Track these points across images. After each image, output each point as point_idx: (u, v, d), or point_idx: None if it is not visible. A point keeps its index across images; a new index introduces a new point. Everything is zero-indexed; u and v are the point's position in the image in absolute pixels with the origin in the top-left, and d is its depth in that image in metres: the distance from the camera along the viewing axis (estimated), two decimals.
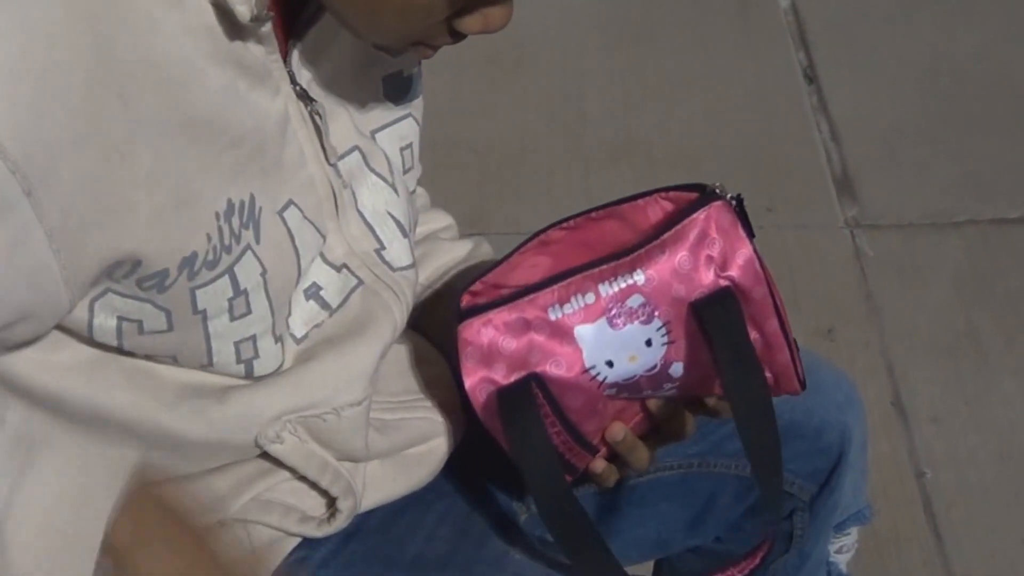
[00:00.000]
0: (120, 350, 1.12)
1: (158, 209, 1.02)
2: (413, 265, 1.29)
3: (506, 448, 1.23)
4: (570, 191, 3.10)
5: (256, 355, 1.17)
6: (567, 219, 1.27)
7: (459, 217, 1.54)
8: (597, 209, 1.27)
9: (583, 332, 1.21)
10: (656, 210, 1.25)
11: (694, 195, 1.23)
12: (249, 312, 1.14)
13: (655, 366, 1.22)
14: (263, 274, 1.14)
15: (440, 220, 1.52)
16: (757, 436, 1.21)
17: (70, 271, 0.99)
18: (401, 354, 1.34)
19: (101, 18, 0.96)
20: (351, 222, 1.24)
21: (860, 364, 2.66)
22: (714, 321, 1.19)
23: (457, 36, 1.08)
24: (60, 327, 1.08)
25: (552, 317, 1.21)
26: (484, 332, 1.22)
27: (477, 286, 1.25)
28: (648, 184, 3.05)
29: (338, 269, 1.23)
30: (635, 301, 1.20)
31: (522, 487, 1.41)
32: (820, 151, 3.22)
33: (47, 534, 1.16)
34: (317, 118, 1.18)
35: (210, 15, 1.04)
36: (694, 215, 1.20)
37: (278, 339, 1.17)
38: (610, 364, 1.21)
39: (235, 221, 1.10)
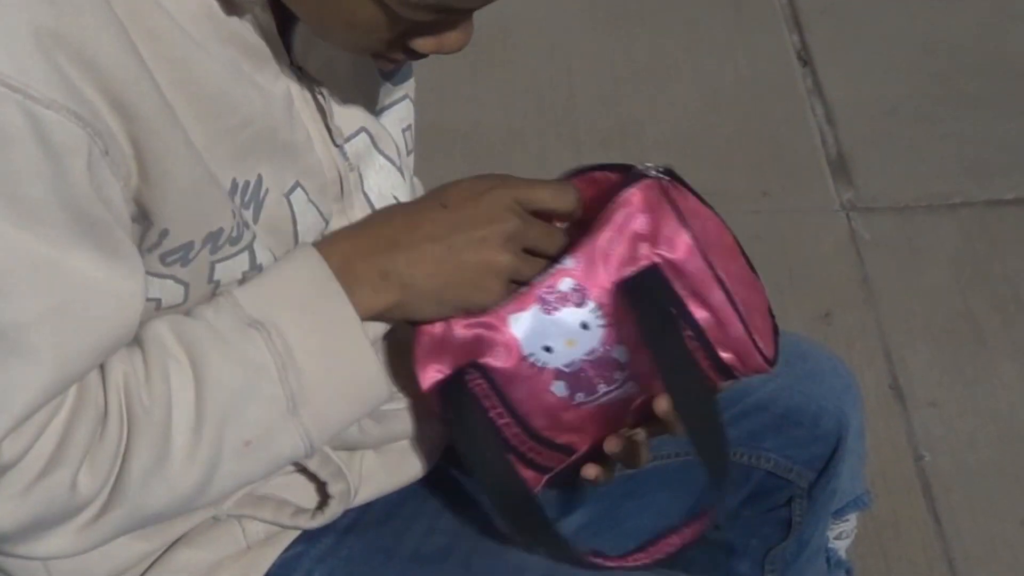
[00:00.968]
0: None
1: (193, 185, 1.07)
2: None
3: (453, 440, 1.25)
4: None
5: None
6: None
7: None
8: None
9: (518, 319, 1.21)
10: (588, 190, 1.25)
11: (618, 175, 1.24)
12: None
13: (594, 350, 1.22)
14: (271, 250, 1.16)
15: None
16: (693, 405, 1.22)
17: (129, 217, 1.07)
18: (394, 343, 1.31)
19: None
20: (356, 205, 1.24)
21: (858, 348, 2.66)
22: (638, 298, 1.20)
23: (413, 54, 1.09)
24: None
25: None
26: (437, 324, 1.22)
27: None
28: None
29: None
30: (566, 285, 1.20)
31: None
32: (815, 134, 3.22)
33: None
34: (321, 99, 1.18)
35: None
36: (620, 194, 1.21)
37: None
38: (548, 350, 1.22)
39: (236, 200, 1.12)
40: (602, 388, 1.25)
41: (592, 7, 3.63)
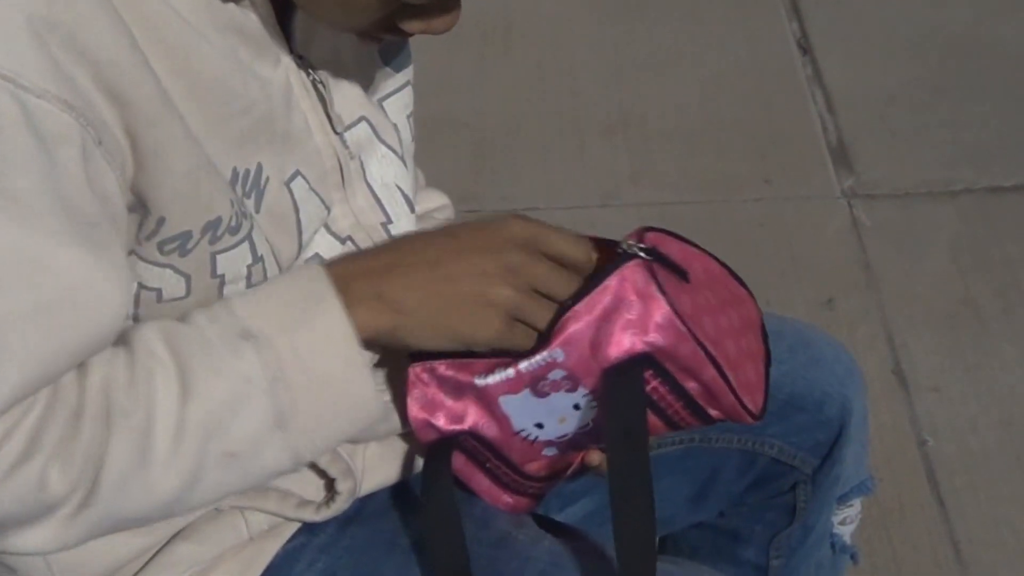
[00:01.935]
0: (135, 319, 1.13)
1: (190, 172, 1.06)
2: None
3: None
4: (565, 166, 3.10)
5: None
6: None
7: (452, 195, 1.54)
8: None
9: (508, 401, 1.20)
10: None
11: (611, 251, 1.19)
12: (265, 279, 1.16)
13: (587, 424, 1.22)
14: (268, 240, 1.15)
15: (436, 199, 1.51)
16: (629, 517, 1.17)
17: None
18: None
19: None
20: (358, 194, 1.24)
21: (860, 334, 2.67)
22: (612, 398, 1.17)
23: (403, 33, 1.08)
24: None
25: (479, 383, 1.19)
26: (430, 383, 1.21)
27: None
28: (642, 158, 3.05)
29: (342, 241, 1.23)
30: (557, 375, 1.18)
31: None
32: (816, 122, 3.23)
33: None
34: (320, 87, 1.19)
35: None
36: (606, 281, 1.16)
37: None
38: (540, 426, 1.21)
39: (238, 189, 1.12)
40: (591, 446, 1.27)
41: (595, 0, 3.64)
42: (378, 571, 1.26)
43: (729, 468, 1.52)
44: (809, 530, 1.58)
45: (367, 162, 1.25)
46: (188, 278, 1.12)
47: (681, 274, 1.21)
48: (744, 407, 1.21)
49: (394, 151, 1.28)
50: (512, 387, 1.19)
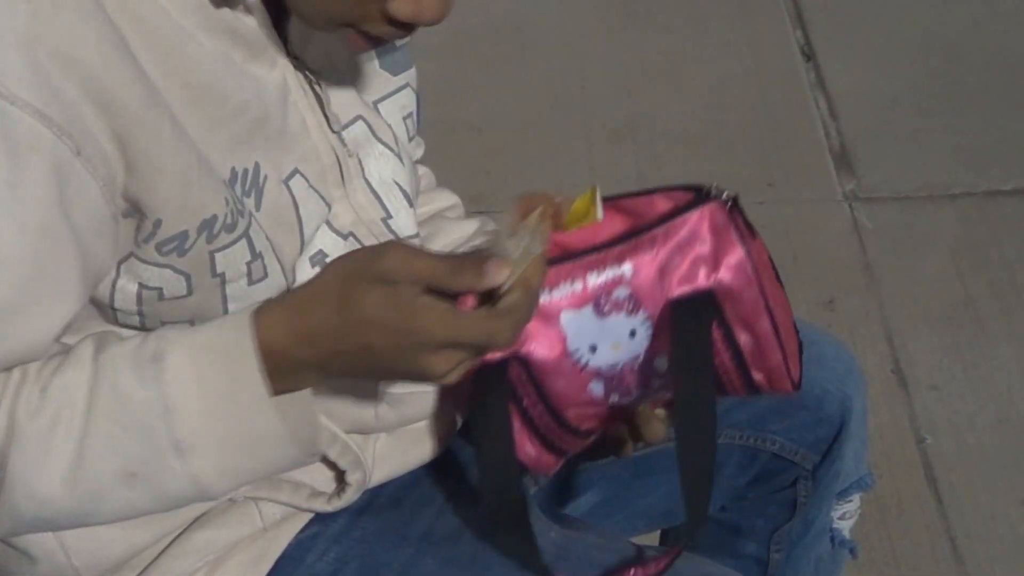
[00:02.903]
0: (140, 316, 1.14)
1: (181, 173, 1.06)
2: (418, 235, 1.30)
3: (469, 421, 1.24)
4: (573, 169, 3.09)
5: None
6: None
7: (462, 197, 1.55)
8: (604, 200, 1.25)
9: (569, 317, 1.21)
10: (655, 207, 1.23)
11: (691, 195, 1.22)
12: (266, 276, 1.16)
13: (638, 356, 1.23)
14: (268, 239, 1.16)
15: (446, 199, 1.52)
16: (693, 441, 1.19)
17: (115, 210, 1.06)
18: None
19: None
20: (358, 191, 1.25)
21: (860, 334, 2.68)
22: (681, 322, 1.18)
23: (392, 23, 1.06)
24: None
25: (542, 300, 1.19)
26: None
27: None
28: (650, 161, 3.05)
29: (344, 237, 1.23)
30: (621, 292, 1.20)
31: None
32: (818, 126, 3.23)
33: None
34: (317, 88, 1.19)
35: None
36: (687, 214, 1.19)
37: None
38: (593, 349, 1.22)
39: (237, 189, 1.12)
40: (636, 392, 1.26)
41: (604, 5, 3.62)
42: (388, 562, 1.27)
43: (731, 463, 1.53)
44: (809, 525, 1.59)
45: (365, 160, 1.26)
46: (188, 277, 1.12)
47: (751, 231, 1.23)
48: (788, 370, 1.24)
49: (391, 149, 1.28)
50: (576, 301, 1.20)
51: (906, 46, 3.45)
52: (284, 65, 1.16)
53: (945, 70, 3.37)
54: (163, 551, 1.25)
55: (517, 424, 1.27)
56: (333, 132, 1.21)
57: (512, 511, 1.22)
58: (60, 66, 0.99)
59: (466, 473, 1.37)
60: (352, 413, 1.25)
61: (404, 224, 1.28)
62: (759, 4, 3.62)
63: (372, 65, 1.29)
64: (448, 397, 1.32)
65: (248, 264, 1.15)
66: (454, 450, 1.37)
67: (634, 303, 1.20)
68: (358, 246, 1.24)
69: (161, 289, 1.12)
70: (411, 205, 1.29)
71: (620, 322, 1.21)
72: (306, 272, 1.20)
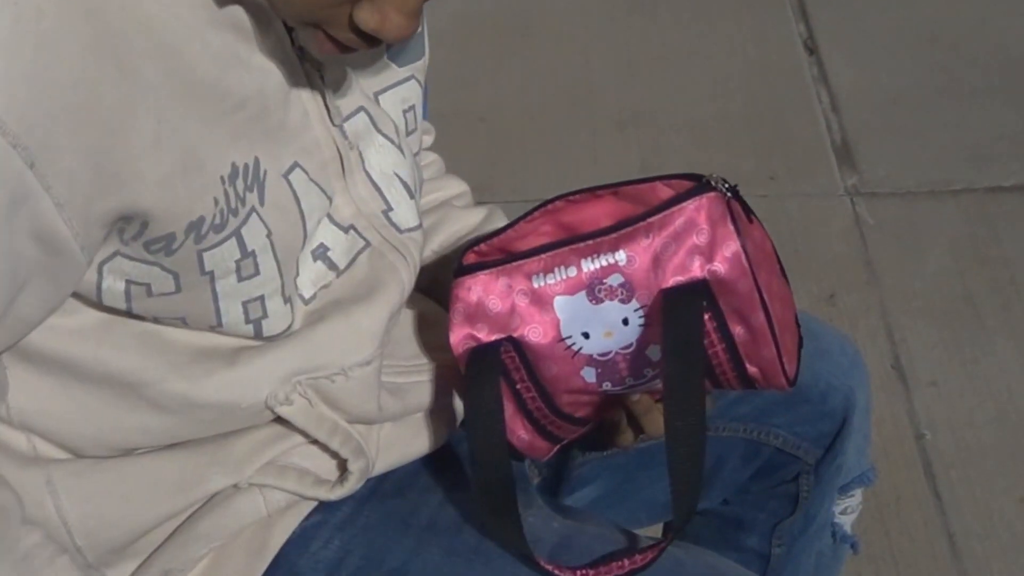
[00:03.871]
0: (129, 313, 1.14)
1: (165, 176, 1.04)
2: (420, 227, 1.30)
3: (462, 401, 1.25)
4: (577, 160, 3.10)
5: (265, 315, 1.17)
6: (573, 193, 1.27)
7: (467, 186, 1.54)
8: (602, 187, 1.27)
9: (562, 302, 1.21)
10: (656, 195, 1.23)
11: (691, 183, 1.22)
12: (257, 273, 1.15)
13: (631, 345, 1.22)
14: (268, 236, 1.15)
15: (454, 187, 1.52)
16: (683, 432, 1.18)
17: (82, 236, 1.02)
18: (413, 318, 1.34)
19: None
20: (358, 183, 1.24)
21: (861, 329, 2.68)
22: (673, 310, 1.18)
23: (356, 32, 1.04)
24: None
25: (535, 285, 1.22)
26: (474, 290, 1.23)
27: (483, 247, 1.27)
28: (653, 153, 3.06)
29: (345, 230, 1.23)
30: (615, 280, 1.20)
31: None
32: (820, 121, 3.23)
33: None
34: (320, 80, 1.18)
35: None
36: (684, 203, 1.19)
37: (287, 300, 1.18)
38: (586, 336, 1.22)
39: (239, 184, 1.11)
40: (629, 381, 1.26)
41: None
42: (392, 550, 1.27)
43: (734, 457, 1.53)
44: (811, 519, 1.59)
45: (365, 152, 1.25)
46: (176, 275, 1.11)
47: (751, 221, 1.23)
48: (782, 365, 1.23)
49: (391, 140, 1.27)
50: (570, 287, 1.21)
51: (909, 41, 3.46)
52: (288, 56, 1.15)
53: (948, 65, 3.38)
54: (167, 538, 1.25)
55: (511, 408, 1.28)
56: (335, 125, 1.21)
57: (499, 490, 1.22)
58: (33, 74, 0.95)
59: (470, 463, 1.36)
60: (355, 404, 1.25)
61: (405, 216, 1.28)
62: None
63: (378, 55, 1.28)
64: (451, 387, 1.32)
65: (237, 262, 1.14)
66: (458, 440, 1.36)
67: (628, 291, 1.20)
68: (359, 240, 1.24)
69: (149, 285, 1.11)
70: (412, 197, 1.29)
71: (613, 309, 1.21)
72: (308, 266, 1.21)
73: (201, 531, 1.24)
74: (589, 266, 1.21)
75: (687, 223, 1.19)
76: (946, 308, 2.75)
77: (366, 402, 1.25)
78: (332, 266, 1.22)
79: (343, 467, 1.27)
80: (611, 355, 1.24)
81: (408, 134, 1.31)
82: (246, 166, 1.11)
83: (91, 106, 0.98)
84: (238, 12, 1.09)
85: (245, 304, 1.16)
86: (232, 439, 1.23)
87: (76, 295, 1.11)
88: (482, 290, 1.23)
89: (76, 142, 0.98)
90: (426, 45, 1.35)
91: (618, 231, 1.21)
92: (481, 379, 1.23)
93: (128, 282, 1.11)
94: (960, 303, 2.76)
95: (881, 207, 3.00)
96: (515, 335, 1.23)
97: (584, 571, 1.23)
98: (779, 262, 1.30)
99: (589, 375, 1.25)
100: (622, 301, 1.21)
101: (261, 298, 1.17)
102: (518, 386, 1.27)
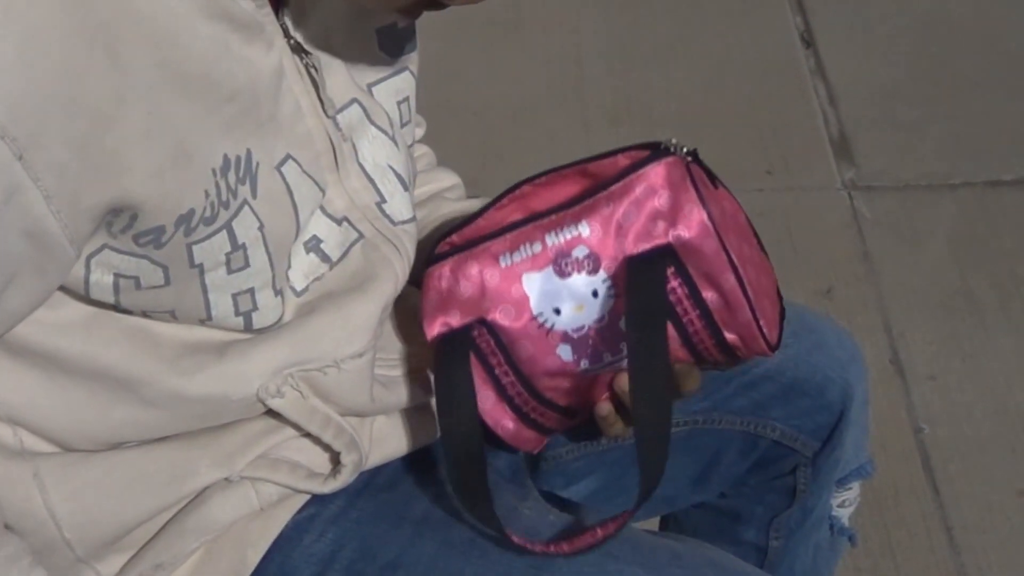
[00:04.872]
0: (117, 307, 1.13)
1: (155, 168, 1.03)
2: (414, 219, 1.29)
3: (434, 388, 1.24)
4: (570, 153, 3.04)
5: (255, 307, 1.17)
6: (537, 176, 1.28)
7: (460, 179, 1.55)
8: (565, 166, 1.27)
9: (531, 279, 1.21)
10: (617, 167, 1.23)
11: (649, 152, 1.22)
12: (247, 266, 1.14)
13: (603, 318, 1.22)
14: (260, 228, 1.14)
15: (446, 179, 1.51)
16: (648, 401, 1.18)
17: (71, 229, 1.01)
18: (405, 311, 1.33)
19: None
20: (352, 175, 1.24)
21: (859, 323, 2.68)
22: (636, 280, 1.18)
23: (437, 4, 1.07)
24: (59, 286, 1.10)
25: (503, 264, 1.22)
26: (444, 277, 1.23)
27: (454, 237, 1.26)
28: None
29: (339, 222, 1.22)
30: (580, 252, 1.20)
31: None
32: (818, 114, 3.23)
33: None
34: (313, 71, 1.18)
35: None
36: (642, 169, 1.19)
37: (278, 292, 1.17)
38: (557, 312, 1.22)
39: (231, 176, 1.10)
40: (607, 357, 1.25)
41: None
42: (386, 543, 1.26)
43: (732, 450, 1.52)
44: (808, 512, 1.58)
45: (359, 143, 1.24)
46: (165, 268, 1.10)
47: (715, 184, 1.23)
48: (760, 329, 1.22)
49: (384, 132, 1.27)
50: (536, 264, 1.21)
51: (906, 34, 3.46)
52: (281, 48, 1.15)
53: (946, 59, 3.38)
54: (158, 532, 1.25)
55: (493, 397, 1.28)
56: (328, 116, 1.20)
57: (470, 468, 1.22)
58: (21, 61, 0.95)
59: None
60: (348, 396, 1.24)
61: (398, 208, 1.27)
62: None
63: (371, 47, 1.28)
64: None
65: (227, 255, 1.13)
66: None
67: (593, 262, 1.20)
68: (352, 232, 1.24)
69: (138, 278, 1.10)
70: (406, 189, 1.29)
71: (581, 282, 1.21)
72: (300, 258, 1.20)
73: (192, 525, 1.24)
74: (553, 240, 1.21)
75: (647, 189, 1.18)
76: (944, 302, 2.75)
77: (359, 395, 1.25)
78: (325, 258, 1.22)
79: (336, 460, 1.27)
80: (585, 330, 1.23)
81: (402, 126, 1.31)
82: (238, 158, 1.10)
83: (80, 97, 0.97)
84: (230, 3, 1.08)
85: (235, 296, 1.15)
86: (223, 432, 1.23)
87: (63, 289, 1.10)
88: (451, 276, 1.23)
89: (65, 133, 0.97)
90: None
91: (580, 203, 1.21)
92: (451, 359, 1.23)
93: (116, 275, 1.10)
94: (958, 297, 2.76)
95: (879, 201, 3.00)
96: (487, 318, 1.23)
97: (557, 545, 1.22)
98: (756, 236, 1.29)
99: (565, 353, 1.24)
100: (589, 273, 1.20)
101: (251, 291, 1.16)
102: (496, 371, 1.26)
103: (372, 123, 1.25)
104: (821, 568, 1.67)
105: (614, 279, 1.20)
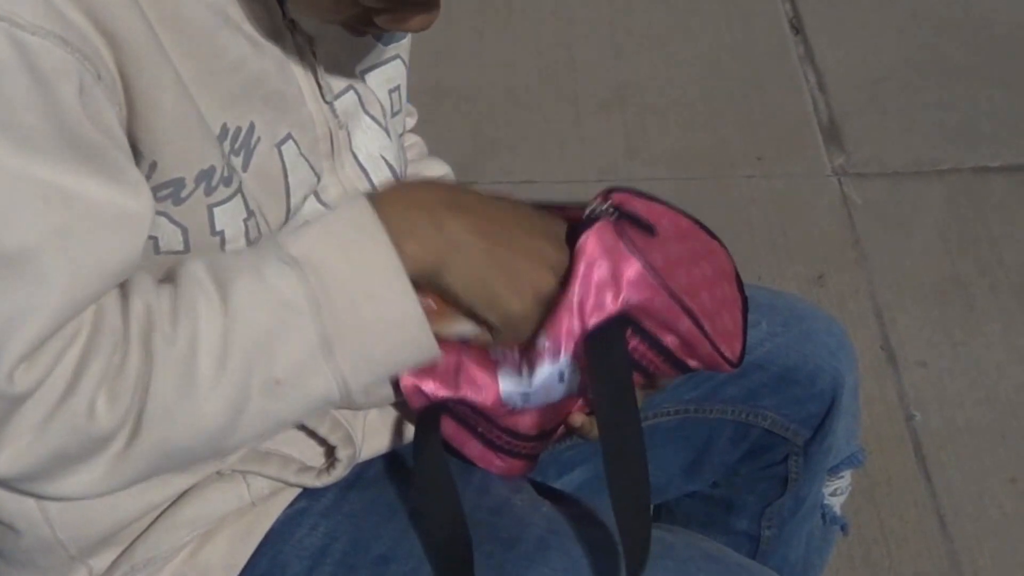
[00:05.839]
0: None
1: (178, 115, 1.06)
2: None
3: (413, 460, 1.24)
4: (562, 139, 3.10)
5: None
6: None
7: (451, 167, 1.55)
8: None
9: (502, 374, 1.22)
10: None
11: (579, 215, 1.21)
12: (260, 236, 1.16)
13: (571, 391, 1.23)
14: (256, 199, 1.15)
15: (436, 169, 1.52)
16: (624, 478, 1.19)
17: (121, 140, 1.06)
18: None
19: None
20: (346, 164, 1.24)
21: (850, 309, 2.68)
22: (595, 358, 1.18)
23: (378, 28, 1.08)
24: None
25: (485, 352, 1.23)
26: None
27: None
28: (638, 132, 3.05)
29: None
30: (540, 344, 1.19)
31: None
32: (807, 101, 3.22)
33: None
34: (311, 55, 1.19)
35: None
36: (578, 243, 1.18)
37: None
38: (525, 397, 1.22)
39: (226, 146, 1.12)
40: (576, 407, 1.29)
41: None
42: (377, 536, 1.26)
43: (723, 439, 1.53)
44: (801, 501, 1.59)
45: (353, 132, 1.25)
46: (185, 231, 1.12)
47: (648, 229, 1.22)
48: (722, 355, 1.22)
49: (377, 122, 1.28)
50: (510, 364, 1.22)
51: (895, 20, 3.45)
52: (279, 29, 1.16)
53: (935, 45, 3.37)
54: (150, 525, 1.24)
55: (479, 447, 1.30)
56: (326, 102, 1.21)
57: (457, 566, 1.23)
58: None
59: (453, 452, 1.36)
60: None
61: None
62: None
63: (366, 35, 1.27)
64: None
65: (244, 221, 1.14)
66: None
67: (554, 350, 1.19)
68: (402, 182, 1.25)
69: (157, 239, 1.11)
70: (398, 180, 1.29)
71: (546, 371, 1.20)
72: None
73: (184, 518, 1.24)
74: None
75: (587, 264, 1.17)
76: (935, 288, 2.75)
77: None
78: None
79: (328, 453, 1.27)
80: (556, 403, 1.25)
81: (393, 115, 1.31)
82: (238, 129, 1.12)
83: (118, 27, 1.01)
84: None
85: None
86: None
87: None
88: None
89: (111, 57, 1.02)
90: None
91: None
92: (427, 448, 1.22)
93: None
94: (948, 283, 2.76)
95: (869, 187, 2.99)
96: (457, 395, 1.22)
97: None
98: (702, 227, 1.29)
99: (535, 417, 1.27)
100: (552, 360, 1.20)
101: None
102: (479, 429, 1.27)
103: (366, 112, 1.26)
104: (814, 557, 1.68)
105: (577, 356, 1.19)
